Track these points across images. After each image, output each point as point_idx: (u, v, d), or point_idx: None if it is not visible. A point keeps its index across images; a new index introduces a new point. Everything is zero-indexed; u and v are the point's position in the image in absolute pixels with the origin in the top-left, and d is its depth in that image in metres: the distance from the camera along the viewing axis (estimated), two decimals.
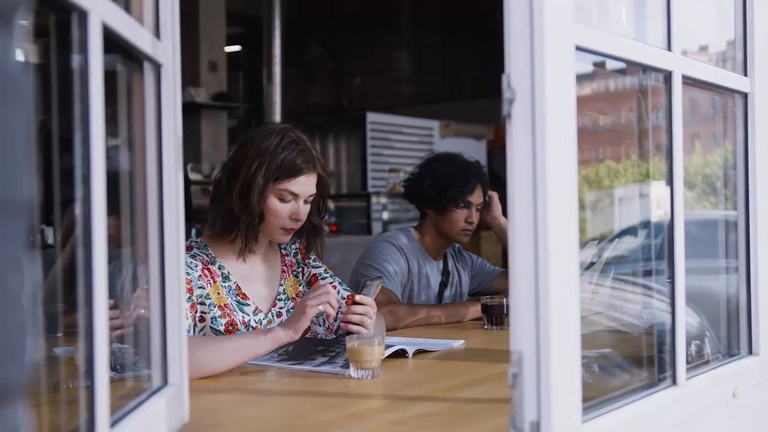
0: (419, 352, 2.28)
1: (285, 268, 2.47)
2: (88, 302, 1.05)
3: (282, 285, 2.44)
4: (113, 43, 1.16)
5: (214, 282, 2.27)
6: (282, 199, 2.28)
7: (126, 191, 1.40)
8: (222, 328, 2.24)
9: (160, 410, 1.35)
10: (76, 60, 1.06)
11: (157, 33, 1.41)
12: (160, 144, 1.42)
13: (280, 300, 2.42)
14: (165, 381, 1.43)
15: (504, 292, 3.06)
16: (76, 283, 1.07)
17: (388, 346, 2.12)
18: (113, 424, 1.13)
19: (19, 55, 0.62)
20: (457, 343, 2.45)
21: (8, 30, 0.59)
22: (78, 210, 1.06)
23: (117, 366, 1.41)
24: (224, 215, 2.30)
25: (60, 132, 1.07)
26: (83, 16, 1.03)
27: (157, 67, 1.40)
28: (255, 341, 2.06)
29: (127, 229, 1.42)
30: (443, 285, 3.24)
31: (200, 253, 2.28)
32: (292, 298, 2.45)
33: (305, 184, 2.30)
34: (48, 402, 1.28)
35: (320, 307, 2.06)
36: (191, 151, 7.45)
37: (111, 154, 1.14)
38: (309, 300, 2.07)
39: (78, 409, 1.10)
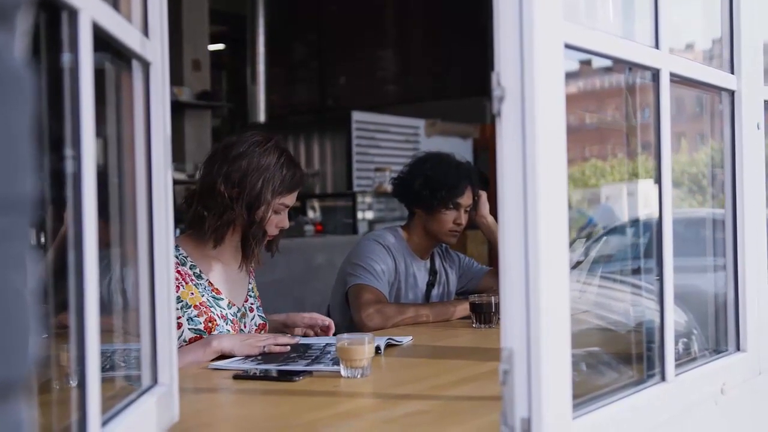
0: (389, 346, 2.35)
1: (251, 269, 2.60)
2: (79, 302, 1.04)
3: (251, 284, 2.57)
4: (101, 41, 1.15)
5: (186, 283, 2.35)
6: (276, 212, 2.42)
7: (114, 191, 1.40)
8: (202, 326, 2.33)
9: (151, 410, 1.34)
10: (65, 58, 1.05)
11: (145, 31, 1.40)
12: (149, 143, 1.41)
13: (251, 296, 2.55)
14: (155, 380, 1.42)
15: (491, 290, 3.06)
16: (62, 283, 1.06)
17: None
18: (104, 423, 1.13)
19: (21, 54, 0.62)
20: (406, 339, 2.48)
21: (10, 28, 0.59)
22: (68, 211, 1.05)
23: (105, 365, 1.40)
24: (225, 225, 2.37)
25: (49, 131, 1.07)
26: (73, 14, 1.03)
27: (145, 65, 1.40)
28: (196, 358, 2.16)
29: (116, 230, 1.41)
30: (431, 284, 3.24)
31: None
32: (258, 296, 2.60)
33: (295, 197, 2.48)
34: (38, 402, 1.28)
35: (265, 349, 2.23)
36: (175, 151, 7.36)
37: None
38: (262, 341, 2.24)
39: (67, 409, 1.10)
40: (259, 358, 2.17)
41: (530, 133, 1.21)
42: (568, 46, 1.30)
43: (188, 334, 2.30)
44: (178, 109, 7.64)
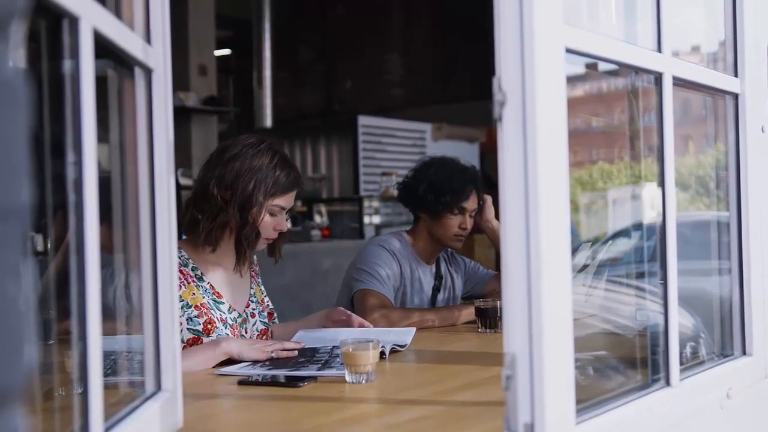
0: (394, 351, 2.34)
1: (253, 274, 2.60)
2: (81, 309, 1.04)
3: (252, 289, 2.57)
4: (103, 48, 1.15)
5: (188, 283, 2.36)
6: (272, 214, 2.41)
7: (118, 197, 1.40)
8: (200, 327, 2.33)
9: (154, 416, 1.34)
10: (66, 65, 1.06)
11: (147, 38, 1.40)
12: (152, 149, 1.42)
13: (252, 302, 2.55)
14: (158, 386, 1.42)
15: (497, 295, 3.06)
16: (68, 290, 1.07)
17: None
18: (107, 429, 1.13)
19: (16, 62, 0.62)
20: (409, 336, 2.49)
21: (4, 37, 0.60)
22: (70, 217, 1.06)
23: (109, 371, 1.40)
24: (219, 227, 2.37)
25: (50, 138, 1.07)
26: (74, 21, 1.03)
27: (148, 72, 1.40)
28: (205, 360, 2.16)
29: (119, 236, 1.41)
30: (436, 289, 3.24)
31: None
32: (260, 301, 2.58)
33: (292, 199, 2.46)
34: (41, 409, 1.28)
35: (273, 354, 2.23)
36: (181, 156, 7.43)
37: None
38: (270, 347, 2.24)
39: (71, 415, 1.10)
40: (268, 363, 2.17)
41: (531, 137, 1.21)
42: (569, 51, 1.30)
43: (187, 335, 2.30)
44: (184, 114, 7.64)
